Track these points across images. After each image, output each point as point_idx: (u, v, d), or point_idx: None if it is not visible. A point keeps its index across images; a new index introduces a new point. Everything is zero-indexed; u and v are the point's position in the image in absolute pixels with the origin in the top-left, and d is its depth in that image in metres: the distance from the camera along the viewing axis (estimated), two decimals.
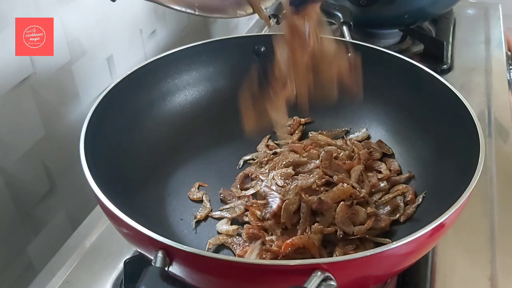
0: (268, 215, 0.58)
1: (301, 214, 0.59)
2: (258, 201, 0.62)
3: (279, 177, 0.63)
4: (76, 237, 0.68)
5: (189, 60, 0.75)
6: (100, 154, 0.57)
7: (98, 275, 0.62)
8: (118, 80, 0.66)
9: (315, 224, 0.57)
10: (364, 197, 0.61)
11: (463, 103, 0.60)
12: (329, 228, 0.57)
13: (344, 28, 0.84)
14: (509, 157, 0.80)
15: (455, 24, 1.21)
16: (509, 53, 1.13)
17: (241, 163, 0.72)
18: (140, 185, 0.64)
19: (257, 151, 0.75)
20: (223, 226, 0.61)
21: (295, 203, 0.59)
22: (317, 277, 0.39)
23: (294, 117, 0.78)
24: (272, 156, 0.70)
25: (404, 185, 0.65)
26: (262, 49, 0.79)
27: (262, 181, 0.65)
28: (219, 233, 0.62)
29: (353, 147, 0.70)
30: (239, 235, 0.60)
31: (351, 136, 0.75)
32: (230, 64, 0.78)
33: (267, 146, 0.75)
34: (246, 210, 0.62)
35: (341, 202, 0.59)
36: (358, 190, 0.61)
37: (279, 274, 0.42)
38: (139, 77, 0.69)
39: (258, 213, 0.60)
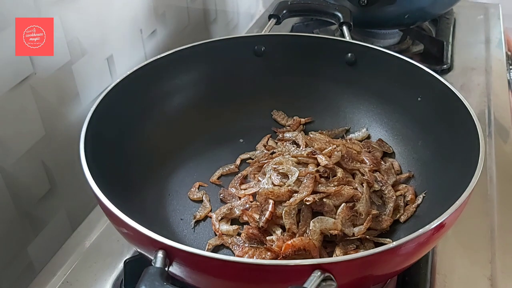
0: (261, 223, 0.58)
1: (301, 216, 0.59)
2: (253, 204, 0.62)
3: (276, 176, 0.63)
4: (76, 237, 0.68)
5: (189, 60, 0.75)
6: (100, 154, 0.57)
7: (98, 275, 0.62)
8: (118, 80, 0.66)
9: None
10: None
11: (463, 103, 0.60)
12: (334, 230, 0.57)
13: (344, 28, 0.84)
14: (509, 157, 0.80)
15: (455, 24, 1.21)
16: (509, 53, 1.13)
17: (238, 162, 0.72)
18: (140, 185, 0.64)
19: (256, 150, 0.74)
20: (223, 226, 0.61)
21: (294, 208, 0.59)
22: (317, 277, 0.39)
23: (294, 117, 0.78)
24: (270, 156, 0.70)
25: (404, 185, 0.65)
26: (262, 49, 0.79)
27: (260, 181, 0.65)
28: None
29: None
30: (239, 235, 0.60)
31: (351, 135, 0.75)
32: (230, 64, 0.78)
33: (264, 146, 0.75)
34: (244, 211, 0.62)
35: (343, 204, 0.59)
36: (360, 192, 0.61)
37: (279, 274, 0.42)
38: (139, 77, 0.69)
39: (256, 216, 0.60)
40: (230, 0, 1.36)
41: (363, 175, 0.64)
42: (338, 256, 0.53)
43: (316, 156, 0.65)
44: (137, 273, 0.42)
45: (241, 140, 0.76)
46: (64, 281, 0.61)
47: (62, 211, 0.79)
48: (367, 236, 0.58)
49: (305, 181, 0.60)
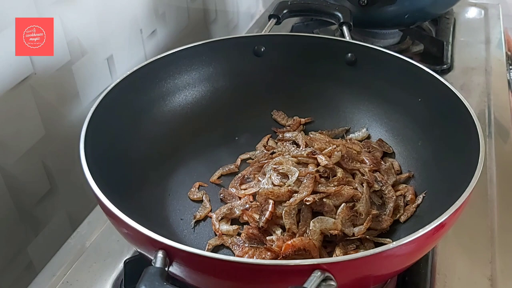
0: (261, 223, 0.58)
1: (301, 216, 0.59)
2: (253, 204, 0.62)
3: (276, 176, 0.63)
4: (76, 237, 0.68)
5: (189, 60, 0.75)
6: (100, 154, 0.57)
7: (98, 275, 0.62)
8: (118, 80, 0.66)
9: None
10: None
11: (463, 103, 0.60)
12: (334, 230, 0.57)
13: (344, 28, 0.84)
14: (509, 157, 0.80)
15: (455, 24, 1.21)
16: (509, 53, 1.13)
17: (238, 162, 0.72)
18: (140, 185, 0.64)
19: (256, 150, 0.74)
20: (223, 226, 0.61)
21: (294, 208, 0.59)
22: (317, 277, 0.39)
23: (294, 117, 0.78)
24: (270, 156, 0.70)
25: (404, 185, 0.65)
26: (262, 49, 0.79)
27: (260, 181, 0.65)
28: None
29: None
30: (239, 235, 0.60)
31: (351, 135, 0.75)
32: (230, 64, 0.78)
33: (264, 146, 0.75)
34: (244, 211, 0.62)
35: (343, 204, 0.59)
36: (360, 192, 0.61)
37: (279, 274, 0.42)
38: (139, 77, 0.69)
39: (256, 216, 0.60)
40: (230, 0, 1.36)
41: (363, 175, 0.64)
42: (338, 256, 0.53)
43: (316, 156, 0.65)
44: (137, 273, 0.42)
45: (236, 138, 0.76)
46: (64, 281, 0.61)
47: (62, 211, 0.79)
48: (367, 236, 0.58)
49: (305, 181, 0.60)
